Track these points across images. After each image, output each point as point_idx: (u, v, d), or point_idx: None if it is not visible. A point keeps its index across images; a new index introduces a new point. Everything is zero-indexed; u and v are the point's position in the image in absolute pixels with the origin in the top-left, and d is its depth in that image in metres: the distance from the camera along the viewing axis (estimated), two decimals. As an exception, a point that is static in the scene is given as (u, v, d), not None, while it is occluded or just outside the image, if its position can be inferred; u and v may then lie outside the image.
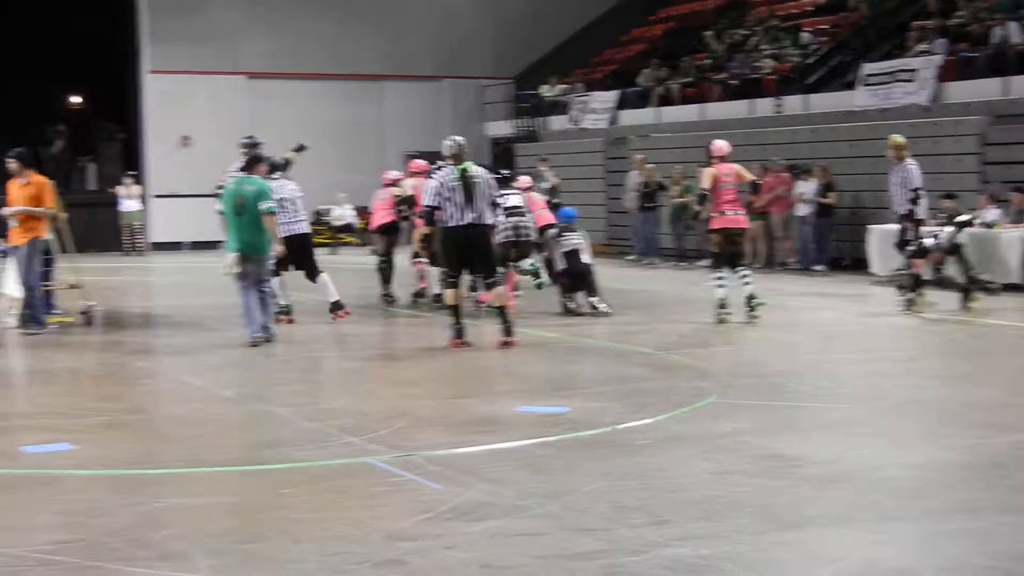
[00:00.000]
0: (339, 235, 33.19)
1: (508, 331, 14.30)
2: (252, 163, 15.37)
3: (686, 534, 6.78)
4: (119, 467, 8.60)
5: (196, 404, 11.29)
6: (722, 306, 16.11)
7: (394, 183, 19.26)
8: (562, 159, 31.32)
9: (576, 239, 17.35)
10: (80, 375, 13.30)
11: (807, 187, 24.05)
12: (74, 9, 35.58)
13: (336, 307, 16.54)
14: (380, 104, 36.80)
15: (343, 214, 33.36)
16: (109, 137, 34.79)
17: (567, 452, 8.89)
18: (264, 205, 14.73)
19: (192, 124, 34.34)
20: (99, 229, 31.75)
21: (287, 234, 15.86)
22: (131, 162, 34.32)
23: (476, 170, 14.34)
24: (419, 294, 18.92)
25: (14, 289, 15.81)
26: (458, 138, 14.65)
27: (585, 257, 17.25)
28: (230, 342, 15.07)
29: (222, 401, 11.38)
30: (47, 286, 16.50)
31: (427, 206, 14.48)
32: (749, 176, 16.61)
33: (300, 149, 18.14)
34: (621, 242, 29.27)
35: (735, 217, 16.27)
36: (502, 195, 15.49)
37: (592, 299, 17.08)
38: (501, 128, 36.19)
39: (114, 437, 9.64)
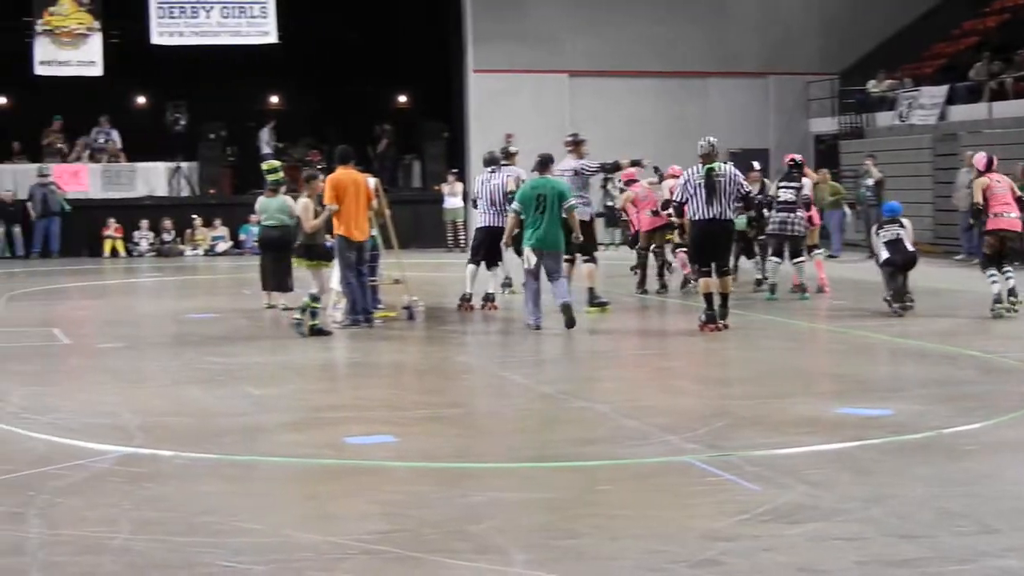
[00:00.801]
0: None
1: (724, 315, 15.37)
2: (546, 163, 16.12)
3: (1016, 544, 6.51)
4: (439, 460, 8.74)
5: (515, 399, 11.40)
6: (998, 301, 16.24)
7: (634, 180, 20.09)
8: (888, 156, 30.54)
9: (897, 229, 17.09)
10: (402, 369, 13.58)
11: None
12: (403, 11, 36.45)
13: (488, 298, 18.00)
14: (704, 101, 36.55)
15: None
16: (434, 135, 35.46)
17: (890, 455, 8.65)
18: (568, 203, 15.64)
19: (515, 122, 34.72)
20: (423, 226, 32.47)
21: (483, 225, 18.16)
22: (455, 160, 34.93)
23: (723, 169, 15.32)
24: (685, 282, 19.85)
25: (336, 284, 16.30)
26: (711, 139, 15.69)
27: (909, 245, 17.00)
28: (550, 339, 15.21)
29: (541, 397, 11.45)
30: (372, 282, 16.89)
31: (676, 201, 15.89)
32: (1019, 193, 16.79)
33: (636, 164, 18.76)
34: (949, 242, 28.39)
35: (1009, 219, 16.44)
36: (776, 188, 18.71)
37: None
38: (825, 125, 35.57)
39: (435, 430, 9.79)
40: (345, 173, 16.24)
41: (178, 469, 8.55)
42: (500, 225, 17.63)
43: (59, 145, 34.64)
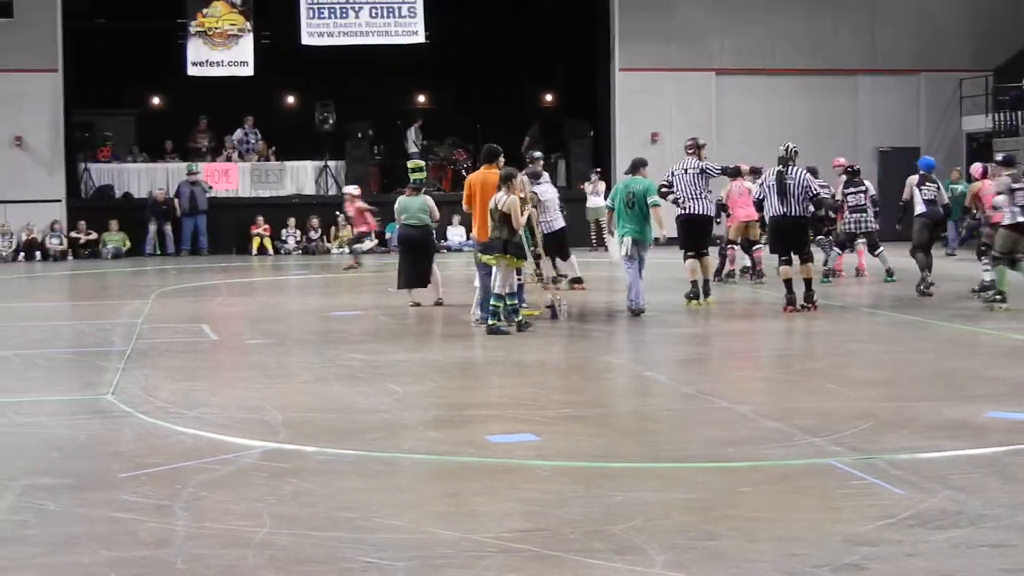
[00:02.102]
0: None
1: (809, 299, 17.31)
2: (637, 166, 17.67)
3: None
4: (580, 459, 8.73)
5: (657, 399, 11.36)
6: (986, 289, 18.08)
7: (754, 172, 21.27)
8: (1043, 154, 29.90)
9: (934, 188, 19.51)
10: (545, 368, 13.56)
11: None
12: (550, 10, 36.49)
13: (576, 280, 20.86)
14: (853, 99, 36.10)
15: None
16: (579, 134, 35.39)
17: (1040, 461, 8.47)
18: (652, 199, 17.10)
19: (660, 121, 34.64)
20: (568, 224, 32.33)
21: (548, 231, 19.18)
22: (600, 158, 34.82)
23: (793, 173, 17.16)
24: (730, 274, 22.04)
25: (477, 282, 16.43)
26: (791, 144, 17.60)
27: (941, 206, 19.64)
28: (691, 339, 15.16)
29: (683, 397, 11.39)
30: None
31: (756, 199, 18.17)
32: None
33: (756, 172, 20.63)
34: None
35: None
36: (842, 192, 21.68)
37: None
38: (979, 123, 34.91)
39: (576, 430, 9.77)
40: (478, 174, 16.39)
41: (321, 465, 8.65)
42: (558, 228, 20.16)
43: (203, 144, 35.29)
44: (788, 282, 17.29)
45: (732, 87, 35.27)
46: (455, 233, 32.56)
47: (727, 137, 33.40)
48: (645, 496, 7.64)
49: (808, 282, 17.36)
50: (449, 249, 31.18)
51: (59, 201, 33.01)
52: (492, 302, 15.42)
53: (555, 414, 10.40)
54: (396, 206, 18.69)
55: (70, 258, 32.04)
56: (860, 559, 6.31)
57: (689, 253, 18.30)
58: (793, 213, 17.19)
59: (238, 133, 35.35)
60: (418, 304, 18.29)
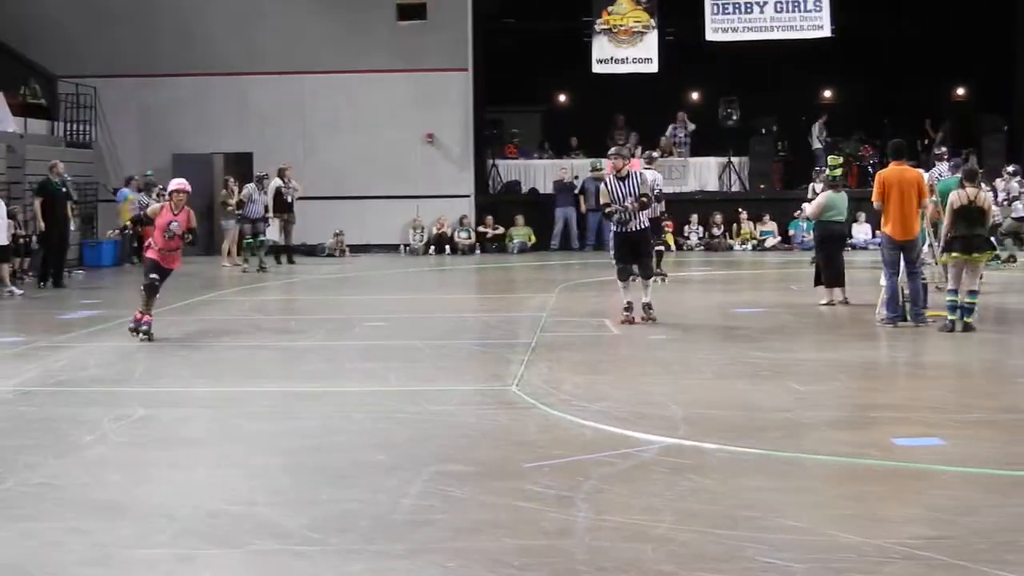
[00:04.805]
0: None
1: None
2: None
3: None
4: (990, 466, 8.41)
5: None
6: None
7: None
8: None
9: None
10: (951, 370, 13.14)
11: None
12: (961, 1, 35.41)
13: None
14: None
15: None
16: (993, 129, 34.13)
17: None
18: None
19: None
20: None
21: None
22: (1014, 154, 33.50)
23: None
24: None
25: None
26: None
27: None
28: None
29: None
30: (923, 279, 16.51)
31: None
32: None
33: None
34: None
35: None
36: None
37: None
38: None
39: (986, 435, 9.43)
40: (893, 170, 15.98)
41: (721, 462, 8.61)
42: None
43: (620, 141, 35.70)
44: None
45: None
46: (860, 231, 31.87)
47: None
48: (1065, 509, 7.31)
49: None
50: (854, 247, 30.52)
51: (468, 196, 34.01)
52: (968, 300, 15.16)
53: (963, 418, 10.07)
54: (823, 202, 18.17)
55: (477, 252, 32.99)
56: None
57: None
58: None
59: (669, 129, 35.55)
60: (832, 303, 18.00)
